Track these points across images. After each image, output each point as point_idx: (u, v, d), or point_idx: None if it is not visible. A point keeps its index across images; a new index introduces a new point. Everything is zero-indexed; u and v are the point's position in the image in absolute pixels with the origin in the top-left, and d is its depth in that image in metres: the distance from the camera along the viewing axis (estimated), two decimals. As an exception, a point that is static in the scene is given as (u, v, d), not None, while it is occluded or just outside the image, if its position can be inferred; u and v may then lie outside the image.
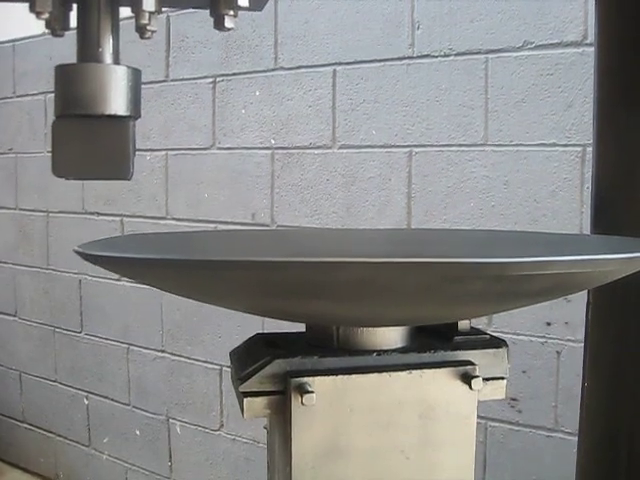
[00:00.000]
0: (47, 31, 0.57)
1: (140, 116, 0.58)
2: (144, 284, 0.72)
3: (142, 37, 0.71)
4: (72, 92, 0.55)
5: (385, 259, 0.46)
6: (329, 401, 0.61)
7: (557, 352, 1.51)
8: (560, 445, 1.53)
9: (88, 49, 0.56)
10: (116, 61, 0.57)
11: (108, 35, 0.56)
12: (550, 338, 1.52)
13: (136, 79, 0.57)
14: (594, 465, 0.89)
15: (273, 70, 1.90)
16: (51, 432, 2.66)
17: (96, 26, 0.56)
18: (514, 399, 1.56)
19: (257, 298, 0.55)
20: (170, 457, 2.26)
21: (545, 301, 0.72)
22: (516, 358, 1.52)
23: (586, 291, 0.86)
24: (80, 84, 0.55)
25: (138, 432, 2.33)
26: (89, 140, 0.55)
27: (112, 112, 0.55)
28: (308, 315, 0.61)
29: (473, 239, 0.92)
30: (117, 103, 0.55)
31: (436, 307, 0.55)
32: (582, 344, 0.88)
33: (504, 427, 1.59)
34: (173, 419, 2.23)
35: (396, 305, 0.53)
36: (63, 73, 0.56)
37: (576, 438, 0.92)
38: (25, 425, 2.76)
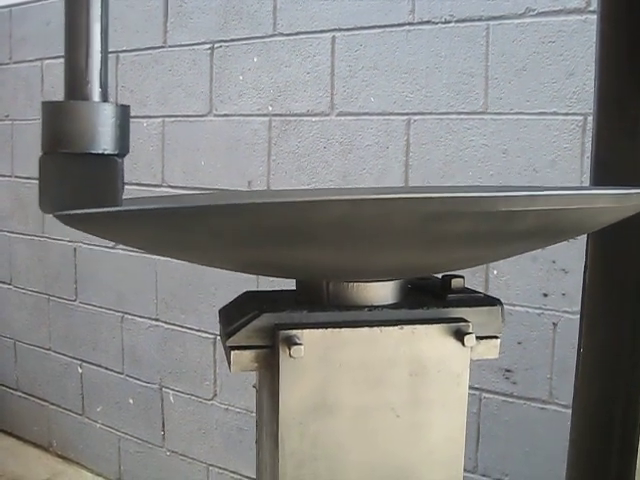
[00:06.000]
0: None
1: (128, 152, 0.57)
2: (131, 245, 0.70)
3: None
4: (59, 130, 0.54)
5: (367, 196, 0.43)
6: (318, 355, 0.60)
7: (553, 324, 1.50)
8: (554, 417, 1.52)
9: (76, 85, 0.54)
10: (104, 98, 0.56)
11: (97, 69, 0.55)
12: (547, 309, 1.51)
13: (124, 116, 0.56)
14: (588, 432, 0.88)
15: (271, 36, 1.87)
16: (45, 400, 2.66)
17: (84, 59, 0.54)
18: (509, 370, 1.55)
19: (241, 246, 0.54)
20: (163, 426, 2.26)
21: (538, 246, 0.69)
22: (512, 329, 1.51)
23: (583, 260, 0.85)
24: (67, 122, 0.54)
25: (131, 401, 2.33)
26: (77, 177, 0.54)
27: (100, 151, 0.54)
28: (291, 264, 0.59)
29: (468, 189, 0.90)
30: (105, 142, 0.54)
31: (422, 252, 0.53)
32: (579, 315, 0.87)
33: (498, 398, 1.58)
34: (166, 388, 2.22)
35: (382, 249, 0.51)
36: (50, 110, 0.55)
37: (570, 411, 0.91)
38: (19, 393, 2.76)
